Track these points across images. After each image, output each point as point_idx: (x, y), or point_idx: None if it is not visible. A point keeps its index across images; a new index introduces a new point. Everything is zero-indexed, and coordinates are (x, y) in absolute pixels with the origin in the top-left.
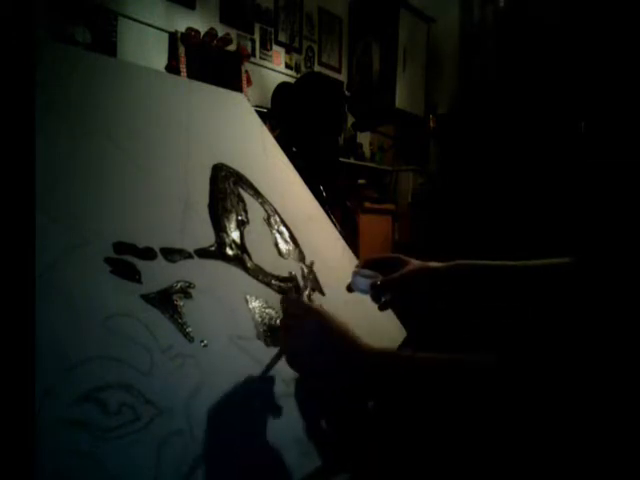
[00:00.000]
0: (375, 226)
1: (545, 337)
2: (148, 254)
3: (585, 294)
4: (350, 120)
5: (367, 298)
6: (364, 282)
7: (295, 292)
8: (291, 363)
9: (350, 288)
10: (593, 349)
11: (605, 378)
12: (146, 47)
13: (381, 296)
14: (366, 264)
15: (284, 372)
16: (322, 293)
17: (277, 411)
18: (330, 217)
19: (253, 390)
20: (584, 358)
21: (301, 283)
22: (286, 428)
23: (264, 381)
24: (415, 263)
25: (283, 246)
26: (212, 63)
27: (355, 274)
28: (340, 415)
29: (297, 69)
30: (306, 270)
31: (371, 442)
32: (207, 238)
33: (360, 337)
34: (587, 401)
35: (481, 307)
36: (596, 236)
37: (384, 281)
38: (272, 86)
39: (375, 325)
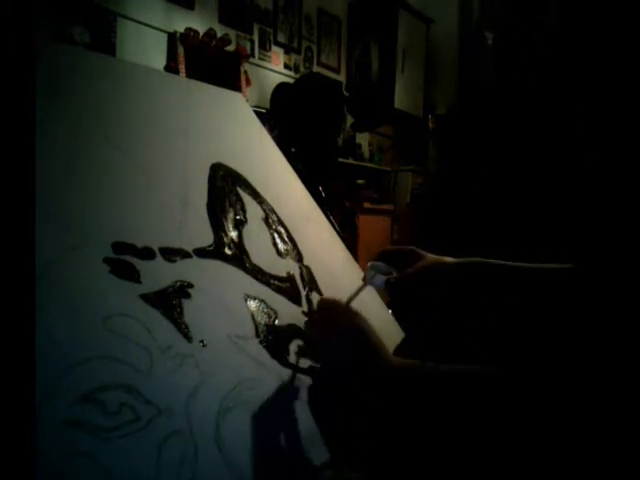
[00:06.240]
0: (374, 226)
1: (547, 344)
2: (147, 254)
3: (585, 300)
4: (349, 121)
5: (364, 299)
6: (379, 278)
7: (293, 292)
8: (316, 355)
9: (365, 279)
10: (594, 355)
11: (606, 383)
12: (145, 47)
13: (396, 293)
14: (380, 256)
15: (283, 371)
16: (320, 293)
17: (276, 410)
18: (328, 217)
19: (252, 389)
20: (585, 364)
21: (299, 283)
22: (286, 427)
23: (262, 380)
24: (429, 258)
25: (281, 246)
26: (211, 63)
27: (369, 268)
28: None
29: (296, 69)
30: (304, 270)
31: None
32: (206, 237)
33: (389, 354)
34: (588, 406)
35: (486, 309)
36: (596, 241)
37: (398, 278)
38: (271, 86)
39: (373, 326)
